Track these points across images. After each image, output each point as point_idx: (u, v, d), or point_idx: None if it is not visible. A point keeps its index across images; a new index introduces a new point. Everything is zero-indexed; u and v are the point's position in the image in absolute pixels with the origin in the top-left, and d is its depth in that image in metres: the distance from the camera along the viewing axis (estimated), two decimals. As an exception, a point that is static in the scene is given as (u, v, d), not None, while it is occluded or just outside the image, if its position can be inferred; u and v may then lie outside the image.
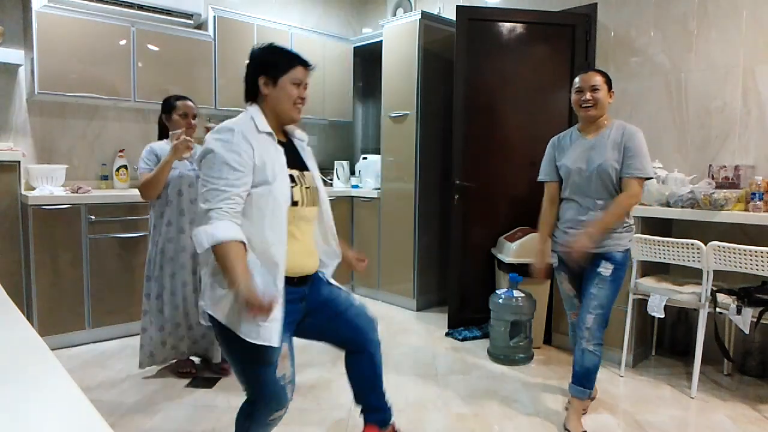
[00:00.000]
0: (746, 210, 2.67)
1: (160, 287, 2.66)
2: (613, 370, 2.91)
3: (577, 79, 2.30)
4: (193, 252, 2.65)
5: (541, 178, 2.49)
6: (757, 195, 2.62)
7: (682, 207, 2.76)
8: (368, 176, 4.51)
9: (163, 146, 2.65)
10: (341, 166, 4.72)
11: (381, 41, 4.26)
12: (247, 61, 1.68)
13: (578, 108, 2.29)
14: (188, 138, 2.50)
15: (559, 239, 2.39)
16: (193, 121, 2.68)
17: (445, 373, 2.90)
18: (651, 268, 2.94)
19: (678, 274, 2.94)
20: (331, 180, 4.81)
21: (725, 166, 2.94)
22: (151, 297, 2.67)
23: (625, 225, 2.27)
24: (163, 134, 2.77)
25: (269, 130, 1.61)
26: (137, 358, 2.98)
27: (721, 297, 2.55)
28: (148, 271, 2.68)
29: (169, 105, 2.70)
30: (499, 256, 3.35)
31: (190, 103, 2.70)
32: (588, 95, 2.24)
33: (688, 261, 2.56)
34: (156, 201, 2.64)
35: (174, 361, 2.81)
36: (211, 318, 1.58)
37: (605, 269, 2.23)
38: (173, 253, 2.64)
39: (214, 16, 3.92)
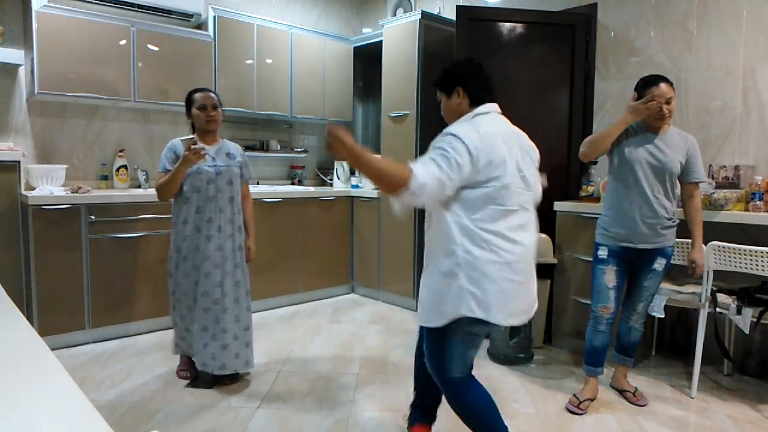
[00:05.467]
0: (746, 210, 2.67)
1: (175, 285, 2.62)
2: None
3: (655, 91, 2.32)
4: (207, 254, 2.55)
5: None
6: (757, 195, 2.62)
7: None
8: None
9: (186, 137, 2.55)
10: (341, 166, 4.72)
11: (381, 41, 4.26)
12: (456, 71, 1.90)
13: (656, 119, 2.36)
14: (198, 146, 2.40)
15: (610, 231, 2.47)
16: (213, 113, 2.58)
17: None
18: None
19: (678, 274, 2.94)
20: (331, 180, 4.81)
21: (725, 166, 2.94)
22: (172, 294, 2.64)
23: (674, 222, 2.45)
24: (193, 131, 2.69)
25: None
26: (137, 358, 3.00)
27: (721, 297, 2.55)
28: (168, 268, 2.65)
29: (188, 100, 2.62)
30: (499, 256, 3.35)
31: (209, 93, 2.61)
32: (665, 109, 2.34)
33: (686, 261, 2.56)
34: (175, 197, 2.59)
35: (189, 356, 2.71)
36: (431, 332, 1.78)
37: (659, 265, 2.45)
38: (186, 252, 2.57)
39: (214, 16, 3.92)
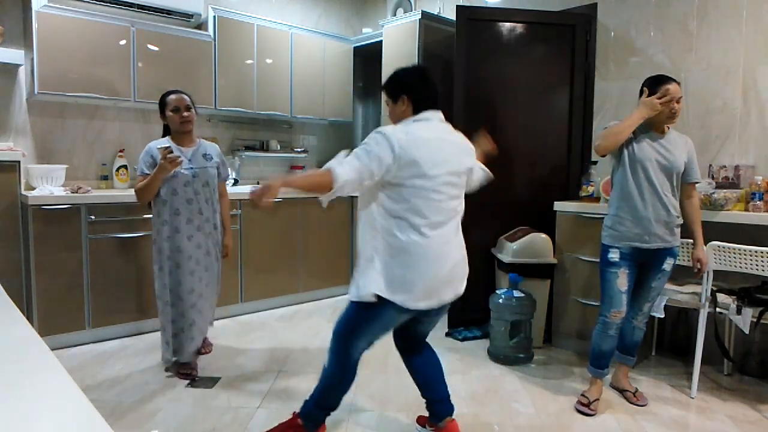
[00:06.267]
0: (746, 210, 2.67)
1: (162, 286, 2.68)
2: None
3: (667, 89, 2.33)
4: (189, 254, 2.66)
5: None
6: (757, 195, 2.62)
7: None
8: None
9: (163, 144, 2.64)
10: (341, 166, 4.72)
11: (381, 41, 4.26)
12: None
13: (667, 118, 2.37)
14: (174, 156, 2.48)
15: (622, 232, 2.41)
16: (186, 114, 2.63)
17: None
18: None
19: (678, 274, 2.94)
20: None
21: (725, 166, 2.94)
22: (158, 297, 2.71)
23: (681, 221, 2.45)
24: (167, 132, 2.76)
25: None
26: (137, 358, 3.00)
27: (721, 297, 2.55)
28: (154, 270, 2.71)
29: (161, 103, 2.67)
30: (499, 256, 3.35)
31: (182, 95, 2.66)
32: (677, 107, 2.36)
33: (689, 261, 2.56)
34: (154, 200, 2.65)
35: (177, 360, 2.79)
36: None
37: (668, 264, 2.45)
38: (169, 252, 2.65)
39: (214, 16, 3.92)
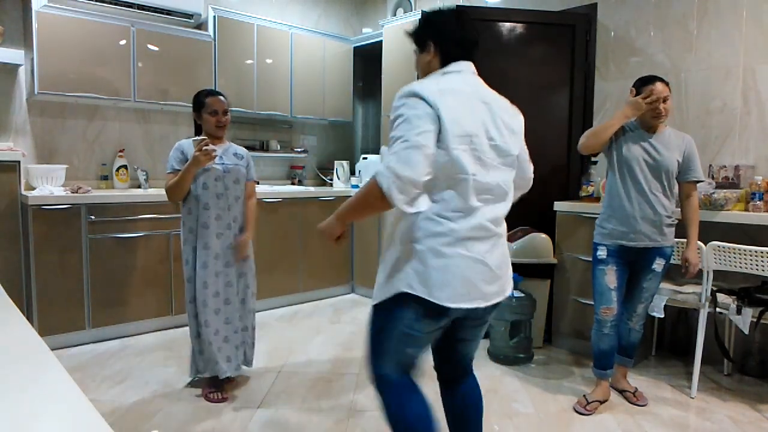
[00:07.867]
0: (746, 210, 2.67)
1: (191, 290, 2.53)
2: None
3: (651, 89, 2.35)
4: (216, 252, 2.50)
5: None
6: (757, 195, 2.62)
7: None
8: (368, 176, 4.48)
9: (192, 144, 2.50)
10: (341, 166, 4.72)
11: (381, 41, 4.26)
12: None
13: (652, 117, 2.39)
14: (210, 148, 2.37)
15: (609, 229, 2.45)
16: (224, 118, 2.56)
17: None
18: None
19: (678, 274, 2.94)
20: (331, 180, 4.81)
21: (725, 166, 2.94)
22: (192, 300, 2.52)
23: (673, 221, 2.45)
24: (198, 132, 2.65)
25: None
26: (137, 358, 3.00)
27: (721, 297, 2.55)
28: (186, 273, 2.53)
29: (198, 103, 2.57)
30: (499, 256, 3.35)
31: (220, 98, 2.57)
32: (662, 107, 2.36)
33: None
34: (186, 197, 2.52)
35: (207, 375, 2.56)
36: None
37: (658, 265, 2.45)
38: (201, 250, 2.51)
39: (214, 16, 3.92)
